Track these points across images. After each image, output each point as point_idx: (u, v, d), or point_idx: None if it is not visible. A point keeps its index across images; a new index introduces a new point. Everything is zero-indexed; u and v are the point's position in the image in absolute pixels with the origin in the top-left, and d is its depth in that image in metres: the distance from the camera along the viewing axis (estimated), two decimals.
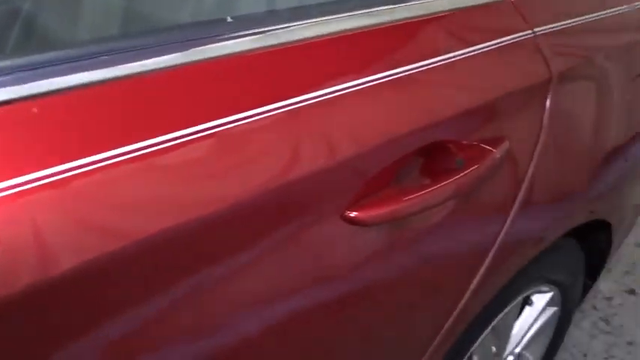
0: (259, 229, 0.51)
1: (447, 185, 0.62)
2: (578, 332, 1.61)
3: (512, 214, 0.77)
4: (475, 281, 0.77)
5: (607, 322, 1.66)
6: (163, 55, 0.48)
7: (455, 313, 0.78)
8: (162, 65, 0.48)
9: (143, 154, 0.43)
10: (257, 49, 0.53)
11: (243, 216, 0.49)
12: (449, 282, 0.75)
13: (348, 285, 0.61)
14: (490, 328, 0.97)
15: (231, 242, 0.49)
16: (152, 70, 0.47)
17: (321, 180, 0.54)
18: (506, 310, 0.98)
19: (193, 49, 0.50)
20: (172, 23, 0.56)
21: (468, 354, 0.96)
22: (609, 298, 1.75)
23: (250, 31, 0.54)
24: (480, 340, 0.96)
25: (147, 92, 0.47)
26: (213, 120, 0.47)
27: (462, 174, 0.64)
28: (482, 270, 0.77)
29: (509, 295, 0.95)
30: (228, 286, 0.50)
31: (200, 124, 0.47)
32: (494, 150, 0.67)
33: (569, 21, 0.81)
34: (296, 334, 0.58)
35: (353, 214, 0.57)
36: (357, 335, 0.66)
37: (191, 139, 0.46)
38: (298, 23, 0.57)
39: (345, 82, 0.56)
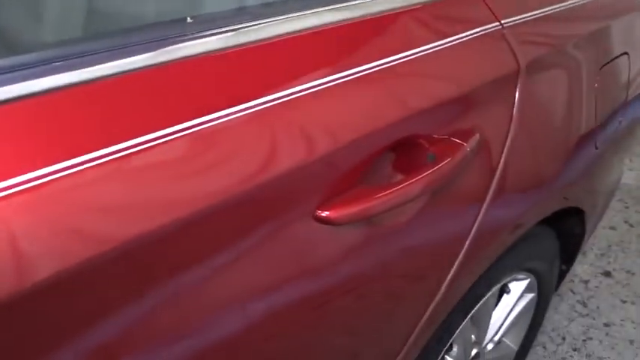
0: (231, 231, 0.50)
1: (418, 181, 0.62)
2: (556, 316, 1.64)
3: (485, 204, 0.77)
4: (452, 272, 0.78)
5: (584, 304, 1.69)
6: (133, 56, 0.48)
7: (433, 305, 0.78)
8: (132, 67, 0.47)
9: (112, 159, 0.43)
10: (226, 47, 0.53)
11: (215, 219, 0.48)
12: (426, 274, 0.75)
13: (325, 283, 0.61)
14: (469, 317, 0.98)
15: (203, 245, 0.49)
16: (122, 72, 0.47)
17: (292, 180, 0.53)
18: (484, 299, 0.99)
19: (162, 49, 0.49)
20: (140, 23, 0.55)
21: (448, 344, 0.97)
22: (586, 281, 1.78)
23: (220, 30, 0.54)
24: (459, 329, 0.97)
25: (118, 94, 0.46)
26: (181, 122, 0.47)
27: (433, 169, 0.64)
28: (458, 261, 0.77)
29: (486, 285, 0.96)
30: (202, 288, 0.50)
31: (169, 126, 0.46)
32: (464, 144, 0.67)
33: (536, 12, 0.81)
34: (274, 333, 0.58)
35: (325, 213, 0.57)
36: (336, 331, 0.66)
37: (162, 141, 0.45)
38: (267, 20, 0.57)
39: (314, 79, 0.56)
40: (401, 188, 0.61)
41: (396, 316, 0.74)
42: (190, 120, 0.47)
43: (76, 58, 0.46)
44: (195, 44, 0.51)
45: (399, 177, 0.63)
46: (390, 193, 0.61)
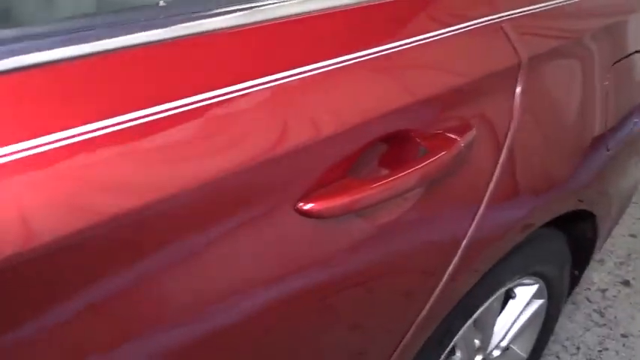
0: (202, 221, 0.49)
1: (408, 175, 0.60)
2: (571, 325, 1.59)
3: (484, 202, 0.75)
4: (449, 271, 0.75)
5: (601, 314, 1.64)
6: (150, 30, 0.48)
7: (429, 303, 0.76)
8: (147, 40, 0.48)
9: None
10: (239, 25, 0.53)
11: (188, 204, 0.47)
12: (420, 271, 0.73)
13: (309, 278, 0.60)
14: (471, 320, 0.95)
15: (175, 232, 0.48)
16: (136, 45, 0.47)
17: (274, 169, 0.52)
18: (487, 302, 0.96)
19: (179, 25, 0.50)
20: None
21: (450, 346, 0.94)
22: (603, 290, 1.73)
23: (236, 7, 0.53)
24: (460, 332, 0.94)
25: (125, 68, 0.47)
26: (169, 101, 0.46)
27: (424, 163, 0.62)
28: (455, 260, 0.75)
29: (489, 288, 0.94)
30: (176, 278, 0.49)
31: (156, 104, 0.46)
32: (459, 138, 0.65)
33: (540, 5, 0.79)
34: (252, 328, 0.57)
35: (308, 205, 0.55)
36: (321, 327, 0.65)
37: (151, 120, 0.45)
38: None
39: (303, 65, 0.54)
40: (390, 181, 0.59)
41: (388, 313, 0.72)
42: (178, 99, 0.47)
43: (93, 29, 0.47)
44: (211, 22, 0.52)
45: (389, 170, 0.61)
46: (378, 186, 0.59)
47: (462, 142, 0.65)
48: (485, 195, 0.75)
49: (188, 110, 0.47)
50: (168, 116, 0.46)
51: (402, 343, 0.77)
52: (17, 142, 0.40)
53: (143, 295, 0.47)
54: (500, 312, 1.10)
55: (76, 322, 0.44)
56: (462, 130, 0.67)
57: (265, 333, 0.58)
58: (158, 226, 0.46)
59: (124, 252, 0.45)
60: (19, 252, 0.39)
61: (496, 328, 1.09)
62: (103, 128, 0.43)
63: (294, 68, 0.54)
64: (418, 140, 0.63)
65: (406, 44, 0.62)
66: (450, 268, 0.75)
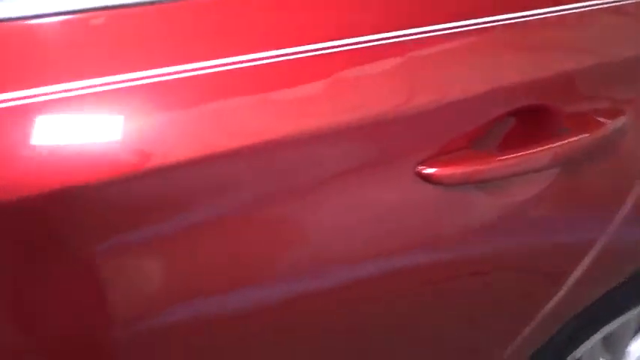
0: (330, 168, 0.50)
1: (540, 152, 0.56)
2: None
3: (625, 206, 0.67)
4: (576, 273, 0.69)
5: None
6: None
7: (550, 304, 0.70)
8: None
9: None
10: None
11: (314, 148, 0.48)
12: (541, 265, 0.67)
13: (430, 252, 0.58)
14: (599, 334, 0.87)
15: (288, 179, 0.49)
16: None
17: (401, 127, 0.51)
18: (619, 319, 0.87)
19: None
20: None
21: None
22: None
23: None
24: (584, 346, 0.86)
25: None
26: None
27: (563, 142, 0.58)
28: (585, 260, 0.69)
29: (623, 302, 0.84)
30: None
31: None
32: (607, 121, 0.60)
33: None
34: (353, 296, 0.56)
35: (429, 170, 0.54)
36: (430, 314, 0.62)
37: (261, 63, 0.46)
38: None
39: (447, 22, 0.53)
40: (519, 155, 0.56)
41: (496, 307, 0.67)
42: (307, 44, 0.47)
43: None
44: None
45: (520, 145, 0.58)
46: (508, 158, 0.56)
47: (609, 126, 0.60)
48: (628, 195, 0.68)
49: (317, 55, 0.48)
50: (292, 60, 0.47)
51: (511, 343, 0.72)
52: (170, 66, 0.43)
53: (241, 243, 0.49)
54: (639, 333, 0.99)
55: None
56: (611, 114, 0.61)
57: (366, 308, 0.57)
58: (270, 169, 0.47)
59: (232, 187, 0.47)
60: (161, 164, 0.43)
61: (630, 350, 0.99)
62: (236, 63, 0.45)
63: (433, 25, 0.52)
64: (557, 118, 0.59)
65: (560, 11, 0.57)
66: (579, 268, 0.69)
